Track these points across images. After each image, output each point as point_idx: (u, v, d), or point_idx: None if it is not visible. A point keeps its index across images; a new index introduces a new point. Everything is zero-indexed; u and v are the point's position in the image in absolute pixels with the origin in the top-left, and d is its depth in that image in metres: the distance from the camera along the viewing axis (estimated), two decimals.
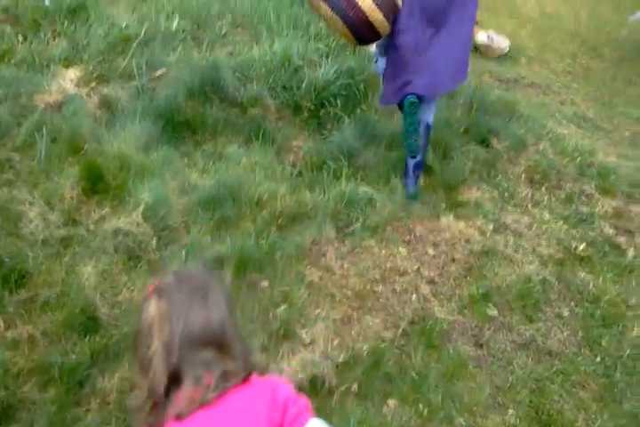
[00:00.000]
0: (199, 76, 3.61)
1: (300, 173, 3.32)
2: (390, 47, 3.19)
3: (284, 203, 2.94)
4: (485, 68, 7.40)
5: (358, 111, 3.88)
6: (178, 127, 3.36)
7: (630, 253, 3.14)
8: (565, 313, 2.80)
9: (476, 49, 8.47)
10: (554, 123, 5.24)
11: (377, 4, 2.94)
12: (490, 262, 2.88)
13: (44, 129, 2.95)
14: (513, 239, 3.06)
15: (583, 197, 3.51)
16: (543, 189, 3.54)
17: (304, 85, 3.85)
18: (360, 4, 2.92)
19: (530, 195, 3.46)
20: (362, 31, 3.02)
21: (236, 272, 2.59)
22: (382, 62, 3.36)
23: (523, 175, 3.63)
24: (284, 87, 3.87)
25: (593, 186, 3.61)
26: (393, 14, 3.04)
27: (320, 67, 4.08)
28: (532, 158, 3.81)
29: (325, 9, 2.98)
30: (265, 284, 2.61)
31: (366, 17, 2.95)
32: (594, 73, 8.52)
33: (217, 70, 3.67)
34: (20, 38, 3.53)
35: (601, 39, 10.27)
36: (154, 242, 2.65)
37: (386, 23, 3.02)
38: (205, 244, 2.66)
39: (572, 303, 2.84)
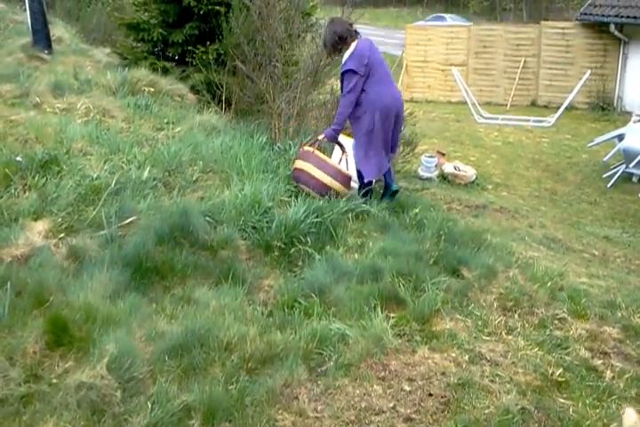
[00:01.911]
0: (169, 221, 3.69)
1: (270, 313, 3.29)
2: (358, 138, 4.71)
3: (253, 345, 2.89)
4: (454, 196, 7.68)
5: (328, 248, 3.95)
6: (146, 274, 3.37)
7: (608, 375, 3.07)
8: None
9: (444, 178, 8.88)
10: (524, 246, 5.34)
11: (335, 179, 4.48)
12: (467, 395, 2.79)
13: (9, 284, 2.94)
14: (489, 369, 3.00)
15: (556, 322, 3.49)
16: (516, 315, 3.52)
17: (274, 225, 3.95)
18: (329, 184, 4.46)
19: (503, 322, 3.43)
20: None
21: (205, 423, 2.48)
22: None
23: (495, 303, 3.63)
24: (254, 228, 3.96)
25: (565, 309, 3.60)
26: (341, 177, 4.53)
27: (290, 206, 4.21)
28: (503, 286, 3.83)
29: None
30: None
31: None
32: (559, 196, 8.89)
33: (187, 215, 3.76)
34: None
35: (563, 164, 10.83)
36: (118, 394, 2.55)
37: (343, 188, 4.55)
38: (172, 394, 2.57)
39: None
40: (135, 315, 3.01)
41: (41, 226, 3.47)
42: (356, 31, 4.74)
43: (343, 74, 4.59)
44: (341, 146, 4.96)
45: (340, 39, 4.65)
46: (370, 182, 4.88)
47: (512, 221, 7.02)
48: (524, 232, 6.31)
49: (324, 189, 4.53)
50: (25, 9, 7.89)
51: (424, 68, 18.45)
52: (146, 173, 4.21)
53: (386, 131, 4.70)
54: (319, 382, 2.81)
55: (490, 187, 8.98)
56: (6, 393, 2.50)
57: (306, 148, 4.76)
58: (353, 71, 4.51)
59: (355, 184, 4.90)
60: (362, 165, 4.78)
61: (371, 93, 4.59)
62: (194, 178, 4.45)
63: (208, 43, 7.12)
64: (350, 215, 4.38)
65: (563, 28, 16.85)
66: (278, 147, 5.15)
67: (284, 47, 5.92)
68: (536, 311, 3.61)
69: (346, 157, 4.93)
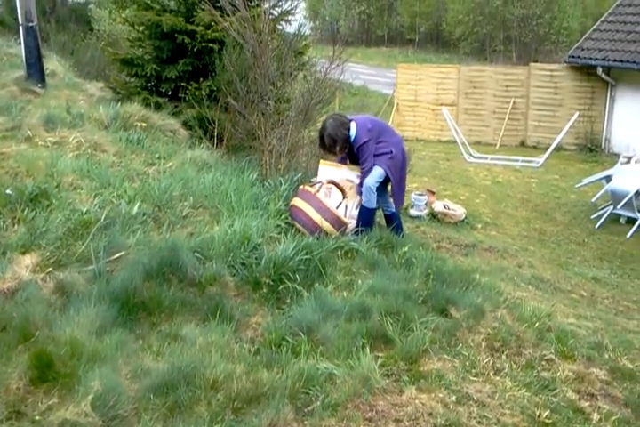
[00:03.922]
0: (158, 257, 3.68)
1: (257, 351, 3.27)
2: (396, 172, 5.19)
3: (240, 384, 2.86)
4: (443, 234, 7.70)
5: (317, 285, 3.95)
6: (134, 309, 3.35)
7: (595, 417, 3.06)
8: None
9: (434, 217, 8.90)
10: (512, 286, 5.35)
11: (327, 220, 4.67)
12: None
13: None
14: (476, 410, 2.97)
15: (544, 363, 3.49)
16: (504, 356, 3.52)
17: (263, 262, 3.95)
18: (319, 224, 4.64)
19: (491, 363, 3.42)
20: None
21: None
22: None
23: (483, 343, 3.63)
24: (243, 264, 3.96)
25: (553, 350, 3.60)
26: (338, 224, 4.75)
27: (279, 243, 4.23)
28: (491, 326, 3.83)
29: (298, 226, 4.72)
30: None
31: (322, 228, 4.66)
32: (548, 236, 8.93)
33: (176, 251, 3.76)
34: None
35: (551, 204, 10.91)
36: None
37: (333, 229, 4.71)
38: None
39: None
40: (121, 351, 2.98)
41: (29, 260, 3.46)
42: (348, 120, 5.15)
43: (359, 148, 5.07)
44: (343, 191, 5.06)
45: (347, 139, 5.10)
46: (369, 225, 5.17)
47: (501, 261, 7.03)
48: (512, 272, 6.32)
49: (314, 228, 4.58)
50: (19, 42, 7.97)
51: (415, 108, 18.69)
52: (136, 208, 4.22)
53: (405, 166, 5.45)
54: (305, 423, 2.78)
55: (479, 226, 9.01)
56: None
57: (307, 187, 4.82)
58: (366, 142, 5.03)
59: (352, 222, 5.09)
60: (398, 197, 5.44)
61: (391, 140, 5.21)
62: (184, 213, 4.46)
63: (201, 79, 7.22)
64: (339, 253, 4.40)
65: (551, 71, 17.18)
66: (269, 183, 5.18)
67: (277, 85, 6.00)
68: (524, 352, 3.60)
69: (346, 203, 5.03)
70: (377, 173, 5.10)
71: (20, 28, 7.55)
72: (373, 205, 5.15)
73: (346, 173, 5.26)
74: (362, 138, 5.02)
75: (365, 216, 5.14)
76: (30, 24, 7.45)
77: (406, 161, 5.49)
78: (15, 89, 7.17)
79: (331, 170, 5.24)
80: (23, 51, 7.57)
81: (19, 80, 7.50)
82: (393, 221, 5.49)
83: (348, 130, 5.06)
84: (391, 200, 5.48)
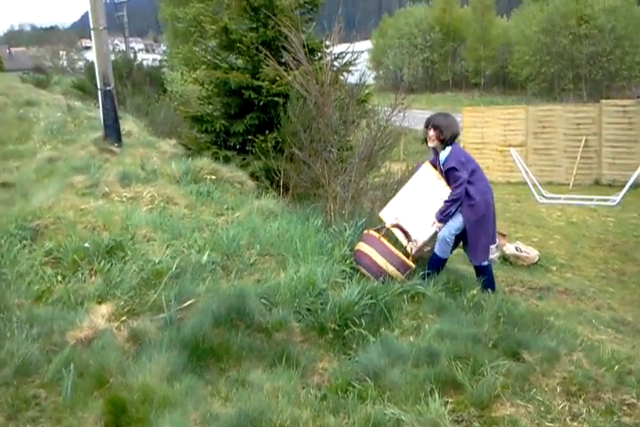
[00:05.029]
0: (226, 304, 3.77)
1: (324, 397, 3.26)
2: (474, 223, 4.99)
3: None
4: (516, 277, 7.54)
5: (382, 330, 3.93)
6: (203, 355, 3.43)
7: None
8: None
9: (506, 260, 8.73)
10: (590, 329, 5.16)
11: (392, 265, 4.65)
12: None
13: (72, 365, 3.04)
14: None
15: (625, 408, 3.31)
16: (581, 401, 3.37)
17: (328, 307, 3.98)
18: (384, 268, 4.62)
19: (567, 408, 3.28)
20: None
21: None
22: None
23: (558, 388, 3.49)
24: (308, 310, 4.00)
25: (634, 394, 3.42)
26: (403, 268, 4.70)
27: (344, 288, 4.25)
28: (566, 369, 3.69)
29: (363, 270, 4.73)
30: None
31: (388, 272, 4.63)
32: (628, 276, 8.56)
33: (243, 298, 3.84)
34: (59, 278, 3.84)
35: (631, 244, 10.50)
36: None
37: (398, 273, 4.67)
38: None
39: None
40: (191, 397, 3.05)
41: (105, 309, 3.62)
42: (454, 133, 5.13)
43: (447, 172, 5.02)
44: (407, 234, 5.04)
45: (453, 136, 5.09)
46: (437, 270, 5.05)
47: (578, 304, 6.81)
48: (590, 315, 6.10)
49: (379, 273, 4.58)
50: (98, 106, 8.48)
51: (482, 150, 18.58)
52: (205, 257, 4.36)
53: (492, 216, 5.15)
54: None
55: (554, 268, 8.77)
56: None
57: (372, 232, 4.85)
58: (455, 169, 4.93)
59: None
60: (474, 251, 5.12)
61: (477, 184, 5.01)
62: (251, 261, 4.57)
63: (267, 132, 7.45)
64: (405, 297, 4.38)
65: (624, 106, 16.83)
66: (334, 229, 5.25)
67: (339, 133, 6.14)
68: (602, 396, 3.44)
69: (411, 247, 5.01)
70: (454, 225, 5.00)
71: (99, 92, 8.06)
72: (446, 256, 5.08)
73: (439, 188, 5.07)
74: (450, 163, 4.94)
75: (434, 264, 5.07)
76: (108, 88, 7.96)
77: (490, 213, 5.10)
78: (94, 149, 7.62)
79: (431, 175, 5.15)
80: (101, 113, 8.07)
81: (97, 141, 7.97)
82: (480, 274, 5.22)
83: (452, 137, 5.04)
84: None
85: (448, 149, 5.04)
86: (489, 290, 4.99)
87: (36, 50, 70.83)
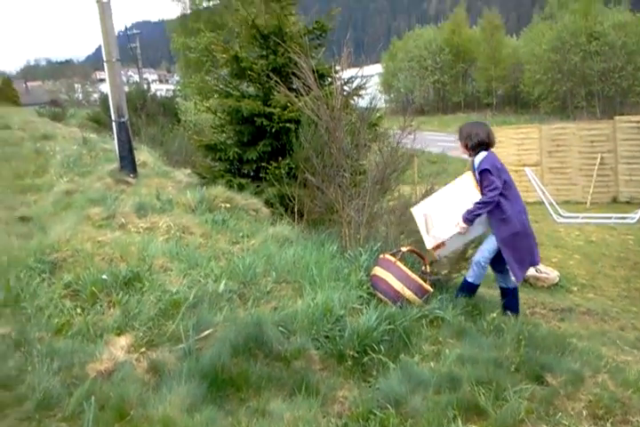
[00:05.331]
0: (244, 333, 3.76)
1: (345, 425, 3.23)
2: (507, 239, 4.84)
3: None
4: (537, 299, 7.46)
5: (402, 356, 3.89)
6: (222, 386, 3.41)
7: None
8: None
9: (526, 281, 8.63)
10: (615, 350, 5.08)
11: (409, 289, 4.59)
12: None
13: (93, 398, 3.03)
14: None
15: None
16: (608, 424, 3.30)
17: (346, 334, 3.95)
18: (402, 293, 4.57)
19: None
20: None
21: None
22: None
23: (584, 411, 3.43)
24: (326, 337, 3.97)
25: None
26: (420, 293, 4.63)
27: (362, 314, 4.22)
28: (592, 392, 3.62)
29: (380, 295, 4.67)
30: None
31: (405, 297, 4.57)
32: None
33: (261, 326, 3.83)
34: (79, 310, 3.85)
35: None
36: None
37: (415, 297, 4.60)
38: None
39: None
40: None
41: (124, 341, 3.62)
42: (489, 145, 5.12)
43: (480, 174, 4.92)
44: (423, 258, 5.06)
45: (481, 142, 5.04)
46: (472, 290, 5.02)
47: (601, 324, 6.71)
48: (614, 335, 6.02)
49: (397, 297, 4.55)
50: (113, 138, 8.60)
51: None
52: (222, 286, 4.36)
53: (531, 235, 5.02)
54: None
55: (575, 289, 8.68)
56: None
57: (387, 256, 4.83)
58: (488, 171, 4.83)
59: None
60: (515, 269, 4.93)
61: (512, 200, 4.92)
62: (267, 289, 4.56)
63: (280, 158, 7.51)
64: (424, 322, 4.34)
65: (638, 122, 16.77)
66: (349, 254, 5.24)
67: (352, 157, 6.16)
68: (631, 420, 3.37)
69: (426, 270, 4.99)
70: (487, 248, 4.94)
71: (113, 123, 8.18)
72: (478, 282, 4.99)
73: (474, 196, 4.96)
74: (484, 165, 4.86)
75: (465, 291, 5.01)
76: (122, 119, 8.07)
77: (527, 230, 4.98)
78: (110, 181, 7.70)
79: (469, 183, 5.08)
80: (116, 144, 8.17)
81: (113, 172, 8.05)
82: (506, 296, 5.16)
83: (472, 141, 5.03)
84: (511, 275, 5.08)
85: (483, 153, 5.00)
86: (508, 312, 4.91)
87: (52, 84, 72.33)
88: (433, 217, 5.07)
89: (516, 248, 4.89)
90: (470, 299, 4.99)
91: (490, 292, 5.85)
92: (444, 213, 5.05)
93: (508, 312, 4.93)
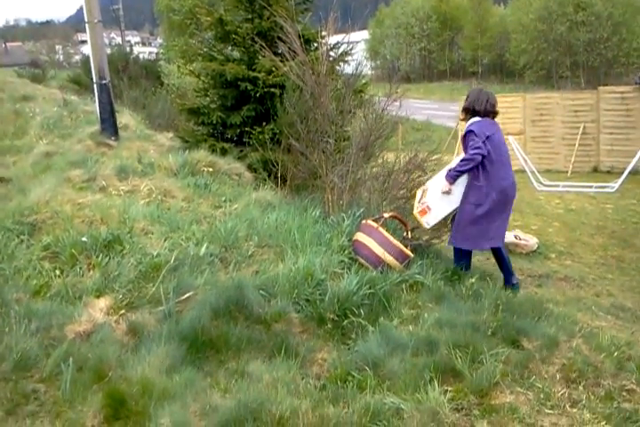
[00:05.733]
0: (224, 296, 3.77)
1: (323, 387, 3.27)
2: (469, 207, 4.90)
3: (306, 420, 2.86)
4: (515, 265, 7.51)
5: (382, 319, 3.93)
6: (202, 348, 3.43)
7: None
8: None
9: (505, 247, 8.70)
10: (590, 316, 5.16)
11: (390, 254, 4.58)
12: None
13: (71, 359, 3.04)
14: None
15: (624, 394, 3.32)
16: (581, 387, 3.37)
17: (327, 297, 3.98)
18: (383, 258, 4.57)
19: (567, 394, 3.29)
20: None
21: None
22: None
23: (558, 375, 3.49)
24: (307, 300, 4.00)
25: (634, 380, 3.42)
26: (401, 258, 4.63)
27: (342, 278, 4.25)
28: (566, 356, 3.69)
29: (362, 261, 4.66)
30: None
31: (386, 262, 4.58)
32: (627, 263, 8.56)
33: (241, 289, 3.84)
34: (57, 272, 3.84)
35: (629, 230, 10.50)
36: None
37: (396, 262, 4.60)
38: None
39: None
40: (190, 389, 3.05)
41: (103, 303, 3.61)
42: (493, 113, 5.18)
43: (466, 135, 4.97)
44: (405, 224, 5.13)
45: (481, 110, 5.08)
46: (467, 258, 5.13)
47: (577, 291, 6.81)
48: (590, 301, 6.11)
49: (378, 262, 4.58)
50: (94, 100, 8.46)
51: None
52: (203, 250, 4.35)
53: (499, 212, 5.00)
54: None
55: (553, 255, 8.77)
56: None
57: (369, 222, 4.85)
58: (473, 132, 4.89)
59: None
60: (455, 232, 5.06)
61: (491, 173, 4.93)
62: (249, 253, 4.56)
63: (264, 123, 7.44)
64: (404, 286, 4.38)
65: (622, 93, 16.78)
66: (332, 220, 5.24)
67: (336, 123, 6.12)
68: (602, 383, 3.44)
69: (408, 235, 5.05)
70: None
71: (95, 85, 8.03)
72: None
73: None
74: (471, 127, 4.94)
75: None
76: (103, 81, 7.93)
77: (493, 212, 4.96)
78: (90, 143, 7.60)
79: None
80: (97, 107, 8.04)
81: (94, 135, 7.95)
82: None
83: (472, 106, 5.09)
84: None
85: (476, 118, 5.06)
86: (509, 283, 5.14)
87: (32, 44, 70.69)
88: (429, 191, 5.20)
89: (473, 222, 4.98)
90: (449, 264, 5.06)
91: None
92: (437, 187, 5.17)
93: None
